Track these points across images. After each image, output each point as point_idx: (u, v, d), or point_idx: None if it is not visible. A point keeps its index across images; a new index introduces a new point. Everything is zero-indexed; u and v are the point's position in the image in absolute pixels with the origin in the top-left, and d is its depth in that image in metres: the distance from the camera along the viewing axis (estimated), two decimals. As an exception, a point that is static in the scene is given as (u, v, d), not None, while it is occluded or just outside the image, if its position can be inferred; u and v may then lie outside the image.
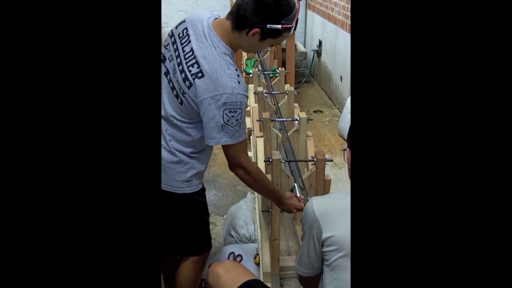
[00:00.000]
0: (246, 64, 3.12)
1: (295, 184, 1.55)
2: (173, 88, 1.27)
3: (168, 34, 1.32)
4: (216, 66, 1.18)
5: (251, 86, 2.80)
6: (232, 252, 1.88)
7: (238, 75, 1.20)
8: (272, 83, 2.50)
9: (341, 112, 3.69)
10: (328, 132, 3.44)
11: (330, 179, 1.56)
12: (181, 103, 1.25)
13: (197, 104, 1.20)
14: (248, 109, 3.31)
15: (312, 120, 1.92)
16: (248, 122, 3.28)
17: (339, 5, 3.80)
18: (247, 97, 1.21)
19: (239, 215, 2.12)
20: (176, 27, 1.31)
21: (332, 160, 1.65)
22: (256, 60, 3.08)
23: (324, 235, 0.99)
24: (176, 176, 1.33)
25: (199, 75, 1.18)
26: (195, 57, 1.20)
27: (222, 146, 1.25)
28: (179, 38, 1.27)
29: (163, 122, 1.31)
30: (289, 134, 1.91)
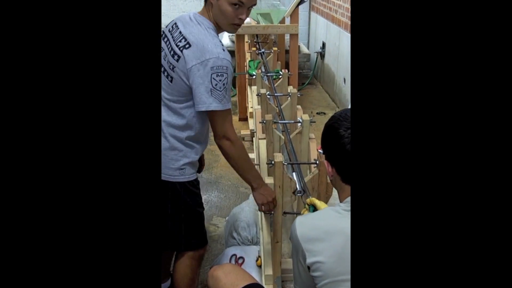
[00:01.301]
0: (249, 66, 3.12)
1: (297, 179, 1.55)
2: (164, 70, 1.34)
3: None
4: (202, 37, 1.28)
5: (254, 88, 2.80)
6: (234, 254, 1.88)
7: (222, 45, 1.30)
8: (275, 85, 2.49)
9: (344, 114, 3.67)
10: (331, 134, 3.44)
11: (333, 182, 1.55)
12: (172, 79, 1.32)
13: (187, 73, 1.27)
14: (250, 110, 3.31)
15: (315, 122, 1.92)
16: (251, 124, 3.28)
17: (343, 7, 3.80)
18: (231, 64, 1.30)
19: (241, 217, 2.12)
20: (166, 26, 1.41)
21: (334, 163, 1.63)
22: (259, 62, 3.08)
23: (308, 261, 0.94)
24: (169, 164, 1.36)
25: (187, 46, 1.27)
26: (182, 35, 1.31)
27: (210, 117, 1.32)
28: (169, 32, 1.37)
29: (162, 121, 1.35)
30: (291, 136, 1.91)
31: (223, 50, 1.28)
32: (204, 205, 1.57)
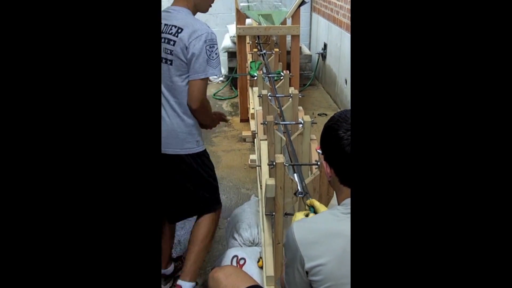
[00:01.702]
0: (251, 67, 3.12)
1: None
2: (164, 61, 1.54)
3: None
4: (189, 20, 1.53)
5: (255, 89, 2.80)
6: (236, 255, 1.88)
7: (206, 24, 1.55)
8: (276, 86, 2.49)
9: (345, 115, 3.66)
10: (332, 135, 3.43)
11: (334, 183, 1.54)
12: (171, 62, 1.53)
13: (185, 51, 1.50)
14: (252, 112, 3.31)
15: (316, 123, 1.92)
16: (252, 125, 3.28)
17: (344, 8, 3.80)
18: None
19: (242, 218, 2.12)
20: None
21: (336, 164, 1.63)
22: (261, 63, 3.08)
23: (307, 265, 0.92)
24: (188, 138, 1.61)
25: (179, 31, 1.51)
26: (169, 26, 1.53)
27: (197, 85, 1.53)
28: None
29: (169, 96, 1.57)
30: (293, 137, 1.90)
31: (208, 27, 1.54)
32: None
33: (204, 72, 1.51)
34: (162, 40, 1.53)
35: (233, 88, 4.58)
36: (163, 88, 1.56)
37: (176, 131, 1.59)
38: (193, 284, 1.71)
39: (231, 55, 4.46)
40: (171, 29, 1.52)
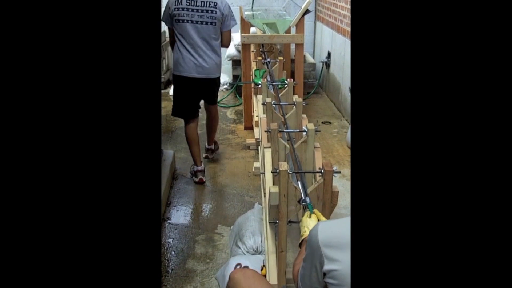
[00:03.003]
0: (255, 75, 3.13)
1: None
2: (206, 23, 2.55)
3: (174, 8, 2.53)
4: None
5: (259, 97, 2.81)
6: (239, 264, 1.87)
7: None
8: (280, 94, 2.50)
9: (349, 124, 3.68)
10: (336, 143, 3.43)
11: (338, 191, 1.54)
12: (215, 24, 2.56)
13: (222, 15, 2.56)
14: (256, 119, 3.32)
15: (320, 131, 1.92)
16: (256, 132, 3.28)
17: (348, 17, 3.82)
18: None
19: (246, 226, 2.11)
20: (180, 4, 2.53)
21: (340, 172, 1.63)
22: (265, 71, 3.09)
23: (326, 267, 0.93)
24: (219, 68, 2.72)
25: (215, 4, 2.52)
26: (206, 2, 2.50)
27: (227, 32, 2.67)
28: (189, 5, 2.51)
29: (212, 43, 2.61)
30: (296, 145, 1.91)
31: None
32: (209, 214, 2.05)
33: (231, 25, 2.64)
34: (205, 11, 2.51)
35: (237, 96, 4.60)
36: (209, 40, 2.58)
37: (216, 64, 2.67)
38: (212, 146, 3.12)
39: (236, 63, 4.49)
40: (209, 4, 2.51)
